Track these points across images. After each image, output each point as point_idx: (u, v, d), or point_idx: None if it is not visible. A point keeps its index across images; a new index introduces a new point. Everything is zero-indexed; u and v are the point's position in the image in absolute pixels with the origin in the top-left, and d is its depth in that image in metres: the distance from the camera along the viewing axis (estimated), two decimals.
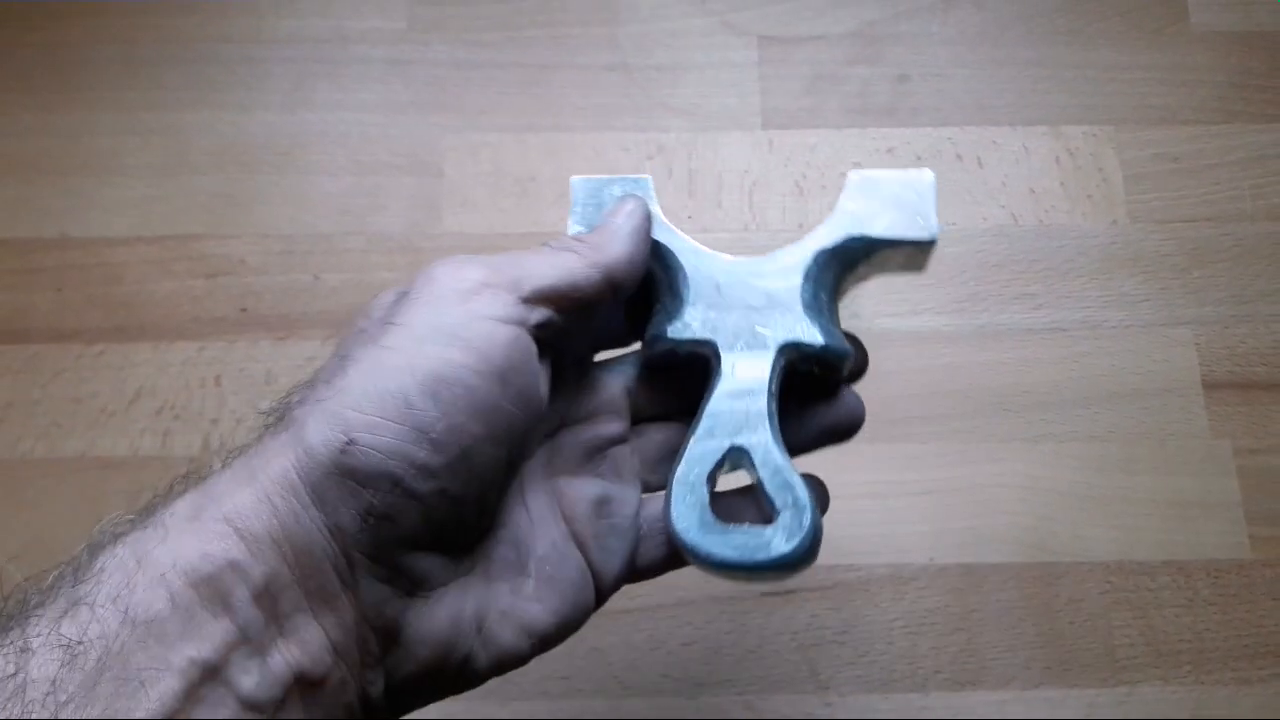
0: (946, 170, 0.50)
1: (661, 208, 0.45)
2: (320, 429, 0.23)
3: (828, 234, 0.30)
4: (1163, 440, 0.45)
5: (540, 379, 0.26)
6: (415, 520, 0.23)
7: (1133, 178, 0.50)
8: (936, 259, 0.48)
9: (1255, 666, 0.42)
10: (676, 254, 0.30)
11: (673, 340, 0.29)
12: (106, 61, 0.52)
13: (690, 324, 0.29)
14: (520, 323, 0.25)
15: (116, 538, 0.22)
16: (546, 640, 0.27)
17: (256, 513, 0.22)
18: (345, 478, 0.22)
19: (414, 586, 0.24)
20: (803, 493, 0.27)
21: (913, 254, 0.30)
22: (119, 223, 0.49)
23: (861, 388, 0.46)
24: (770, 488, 0.28)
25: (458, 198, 0.50)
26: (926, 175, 0.30)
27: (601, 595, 0.28)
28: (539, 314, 0.26)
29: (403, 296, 0.25)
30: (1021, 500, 0.45)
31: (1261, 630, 0.43)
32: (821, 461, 0.45)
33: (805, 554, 0.27)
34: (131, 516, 0.23)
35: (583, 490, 0.29)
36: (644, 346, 0.30)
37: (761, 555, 0.27)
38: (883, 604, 0.43)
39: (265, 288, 0.48)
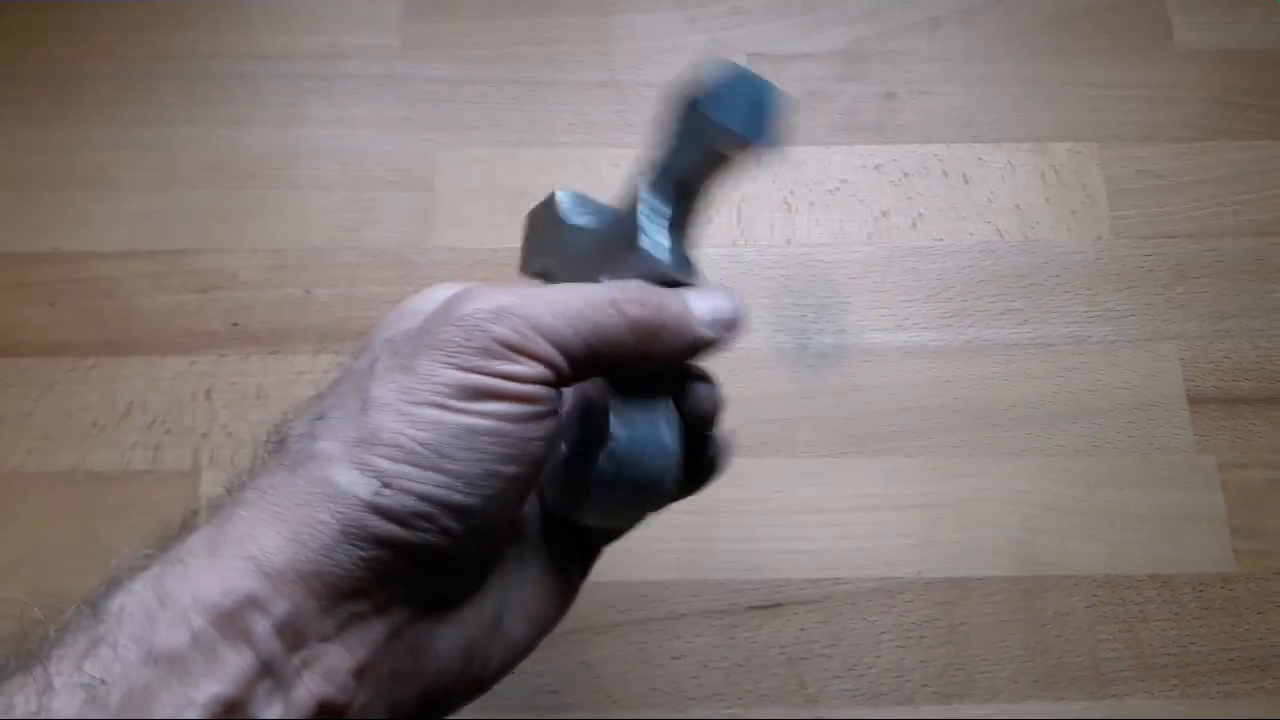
0: (933, 186, 0.50)
1: None
2: (350, 474, 0.23)
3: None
4: (1148, 454, 0.46)
5: (556, 427, 0.25)
6: (449, 552, 0.23)
7: (1116, 194, 0.50)
8: (923, 274, 0.49)
9: (1241, 680, 0.42)
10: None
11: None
12: (99, 77, 0.52)
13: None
14: (545, 381, 0.24)
15: (135, 573, 0.22)
16: (549, 624, 0.28)
17: (281, 549, 0.22)
18: (380, 517, 0.22)
19: (443, 605, 0.25)
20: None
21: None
22: (112, 237, 0.49)
23: (850, 402, 0.47)
24: None
25: (449, 213, 0.50)
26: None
27: (570, 595, 0.29)
28: (563, 373, 0.25)
29: (423, 334, 0.24)
30: (1009, 514, 0.45)
31: (1247, 644, 0.43)
32: (812, 474, 0.45)
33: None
34: (149, 552, 0.23)
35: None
36: None
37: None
38: (871, 617, 0.43)
39: (257, 302, 0.48)
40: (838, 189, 0.50)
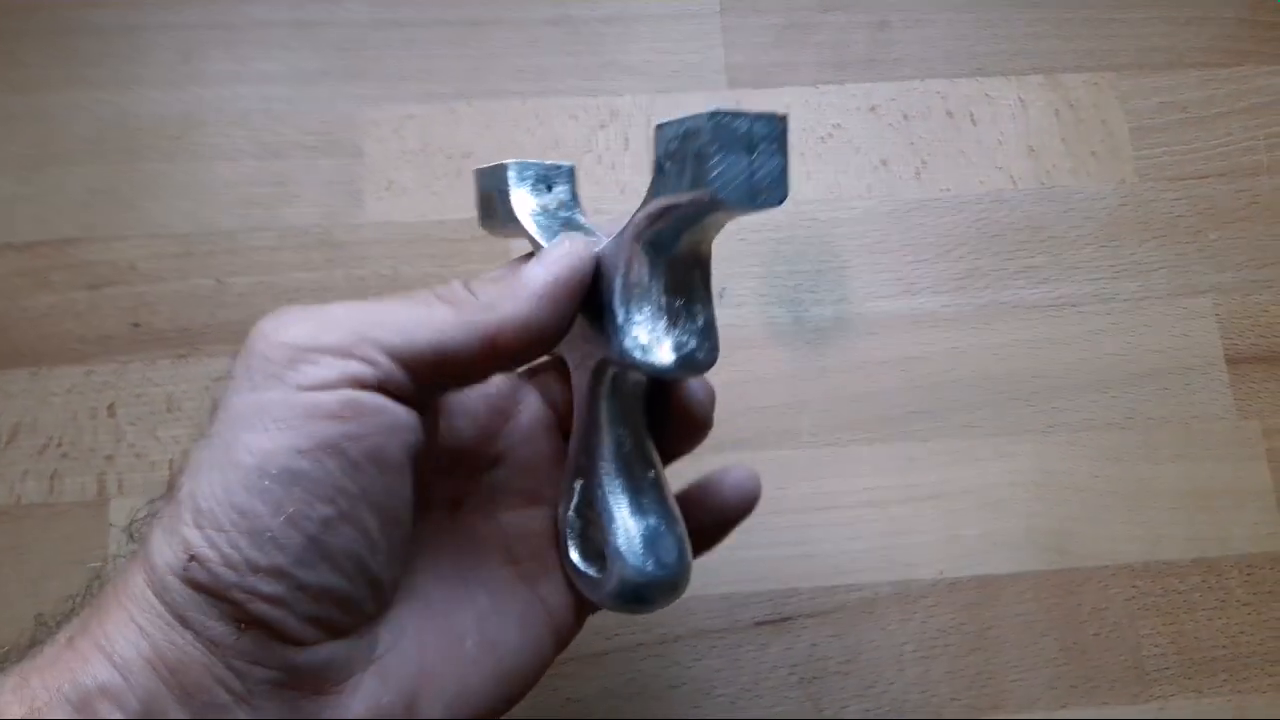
0: (936, 129, 0.44)
1: (619, 184, 0.40)
2: (162, 549, 0.21)
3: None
4: (1186, 423, 0.41)
5: (394, 436, 0.22)
6: (291, 619, 0.21)
7: (1139, 130, 0.45)
8: (930, 231, 0.43)
9: None
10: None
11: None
12: None
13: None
14: (354, 383, 0.22)
15: (7, 669, 0.21)
16: (502, 700, 0.25)
17: (124, 635, 0.21)
18: (199, 593, 0.21)
19: (320, 683, 0.22)
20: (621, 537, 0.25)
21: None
22: None
23: (855, 381, 0.41)
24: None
25: (381, 180, 0.43)
26: None
27: (562, 634, 0.27)
28: (387, 373, 0.22)
29: (233, 365, 0.22)
30: (1037, 499, 0.40)
31: None
32: (817, 467, 0.40)
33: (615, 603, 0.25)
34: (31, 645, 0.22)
35: (530, 523, 0.27)
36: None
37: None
38: (890, 626, 0.39)
39: (160, 297, 0.41)
40: (830, 136, 0.44)
